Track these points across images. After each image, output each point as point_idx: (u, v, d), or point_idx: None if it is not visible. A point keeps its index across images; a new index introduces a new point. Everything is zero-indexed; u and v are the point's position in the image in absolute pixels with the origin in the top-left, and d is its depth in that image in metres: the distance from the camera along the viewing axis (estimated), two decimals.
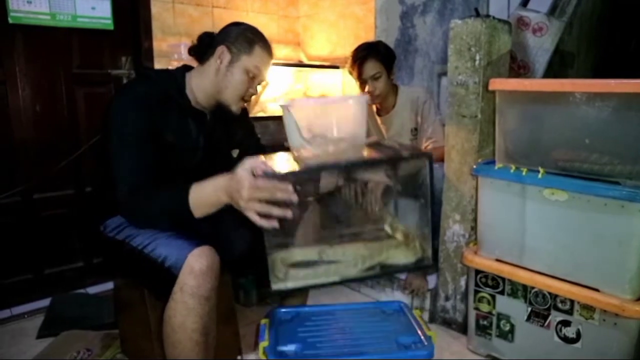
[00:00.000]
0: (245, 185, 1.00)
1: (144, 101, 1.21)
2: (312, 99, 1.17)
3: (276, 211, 1.01)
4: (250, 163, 1.03)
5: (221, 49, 1.29)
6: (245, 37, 1.31)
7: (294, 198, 1.00)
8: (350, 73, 2.03)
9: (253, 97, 1.38)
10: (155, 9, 2.28)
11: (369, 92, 1.98)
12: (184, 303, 1.07)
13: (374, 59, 1.95)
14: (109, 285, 2.06)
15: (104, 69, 2.19)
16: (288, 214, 1.02)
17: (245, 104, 1.41)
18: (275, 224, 1.01)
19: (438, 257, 1.83)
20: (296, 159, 1.11)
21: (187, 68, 1.38)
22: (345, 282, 1.11)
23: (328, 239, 1.27)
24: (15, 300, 1.99)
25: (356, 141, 1.08)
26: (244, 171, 1.02)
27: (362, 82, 1.99)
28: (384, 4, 2.50)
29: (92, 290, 2.15)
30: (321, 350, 1.24)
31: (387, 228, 1.25)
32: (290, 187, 1.00)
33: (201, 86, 1.33)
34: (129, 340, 1.57)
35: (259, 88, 1.39)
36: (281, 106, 1.14)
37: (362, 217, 1.32)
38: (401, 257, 1.15)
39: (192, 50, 1.37)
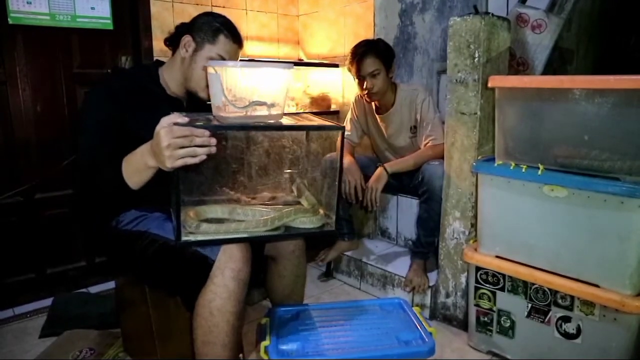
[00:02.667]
0: (163, 136, 0.99)
1: (111, 91, 1.26)
2: (240, 61, 1.22)
3: (200, 150, 1.00)
4: (167, 118, 1.02)
5: (186, 39, 1.33)
6: (210, 26, 1.33)
7: (213, 141, 1.00)
8: (349, 70, 2.03)
9: None
10: (154, 8, 2.29)
11: (367, 88, 1.98)
12: (225, 286, 1.09)
13: (373, 56, 1.95)
14: (111, 285, 2.07)
15: (104, 68, 2.20)
16: (212, 149, 1.01)
17: None
18: (203, 157, 1.01)
19: (438, 254, 1.84)
20: (217, 118, 1.13)
21: (159, 63, 1.43)
22: (252, 239, 1.17)
23: (240, 201, 1.34)
24: (18, 300, 2.00)
25: (276, 109, 1.13)
26: (161, 126, 1.01)
27: (361, 79, 1.99)
28: (383, 2, 2.50)
29: (94, 289, 2.16)
30: (322, 348, 1.25)
31: (303, 201, 1.32)
32: (207, 132, 1.00)
33: (171, 76, 1.38)
34: (131, 339, 1.58)
35: None
36: (207, 65, 1.16)
37: (275, 184, 1.41)
38: (306, 221, 1.23)
39: (168, 41, 1.40)
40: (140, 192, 1.15)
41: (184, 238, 1.08)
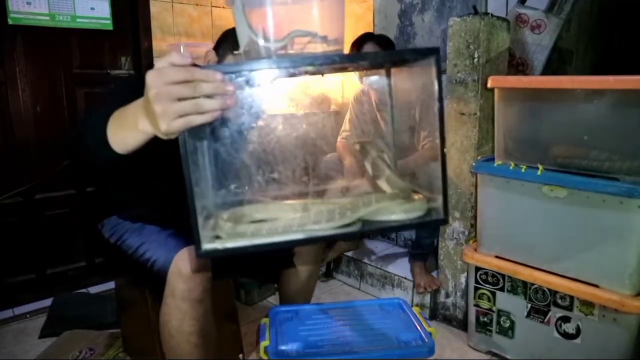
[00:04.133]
0: (150, 82, 0.65)
1: (135, 84, 1.07)
2: None
3: (209, 103, 0.65)
4: (163, 59, 0.68)
5: (210, 54, 1.26)
6: (234, 38, 1.28)
7: (230, 88, 0.66)
8: None
9: None
10: (154, 8, 2.29)
11: None
12: (178, 307, 1.03)
13: (372, 42, 2.02)
14: (111, 285, 2.07)
15: (103, 69, 2.20)
16: (230, 102, 0.66)
17: None
18: (216, 114, 0.66)
19: (438, 254, 1.84)
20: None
21: None
22: (312, 241, 0.76)
23: (298, 196, 0.89)
24: (18, 300, 2.00)
25: (335, 47, 0.73)
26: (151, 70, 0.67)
27: None
28: (382, 2, 2.50)
29: (94, 289, 2.16)
30: (322, 349, 1.25)
31: (383, 185, 0.90)
32: (219, 75, 0.65)
33: None
34: (131, 340, 1.58)
35: None
36: None
37: (350, 172, 0.93)
38: (397, 210, 0.79)
39: None
40: (124, 196, 1.12)
41: (207, 246, 0.70)
